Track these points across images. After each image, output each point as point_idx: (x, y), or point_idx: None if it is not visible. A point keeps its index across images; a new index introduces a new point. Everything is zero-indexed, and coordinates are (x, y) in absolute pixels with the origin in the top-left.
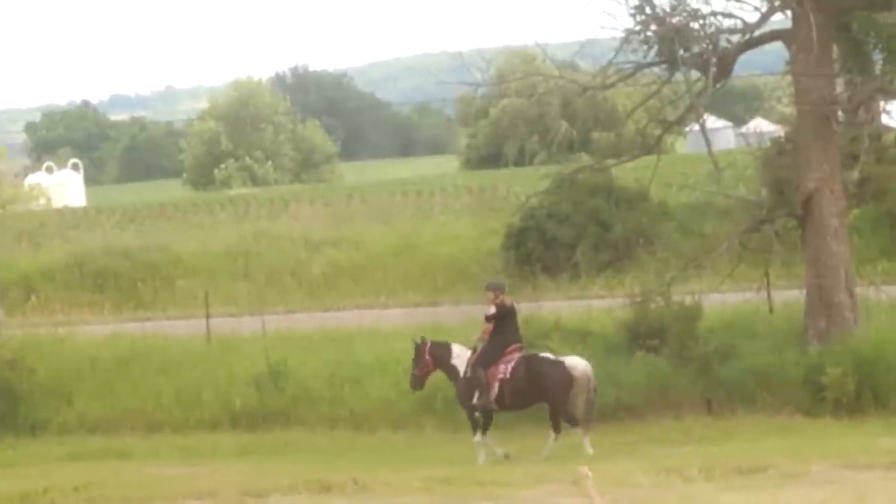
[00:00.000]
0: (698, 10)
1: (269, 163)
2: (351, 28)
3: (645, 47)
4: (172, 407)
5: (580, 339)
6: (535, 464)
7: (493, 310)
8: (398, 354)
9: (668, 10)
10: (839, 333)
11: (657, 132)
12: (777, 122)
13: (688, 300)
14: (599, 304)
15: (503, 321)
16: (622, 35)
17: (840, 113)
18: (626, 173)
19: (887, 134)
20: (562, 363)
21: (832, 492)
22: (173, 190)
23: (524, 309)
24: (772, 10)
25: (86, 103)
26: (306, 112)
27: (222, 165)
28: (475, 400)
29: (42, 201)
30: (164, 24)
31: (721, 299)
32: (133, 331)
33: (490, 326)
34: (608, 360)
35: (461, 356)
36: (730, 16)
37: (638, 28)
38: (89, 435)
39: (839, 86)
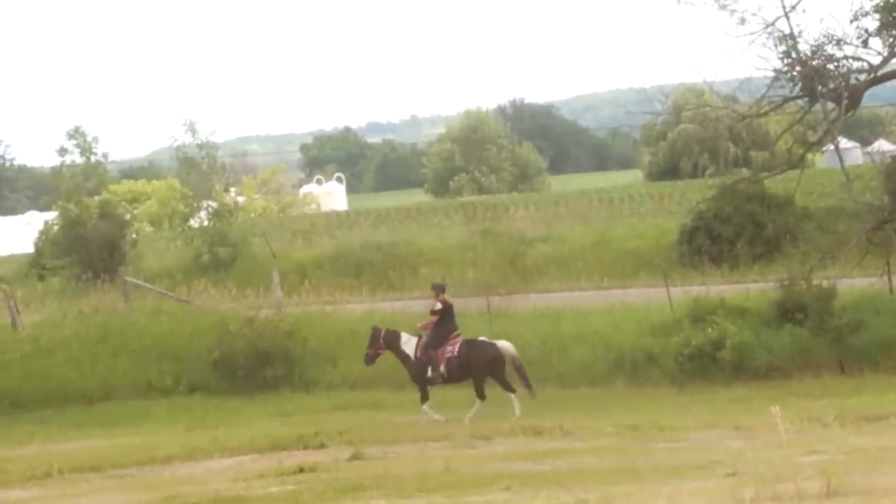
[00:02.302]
0: (833, 54)
1: (493, 176)
2: (557, 67)
3: (791, 84)
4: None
5: (739, 314)
6: (704, 413)
7: (438, 306)
8: (595, 327)
9: (809, 54)
10: None
11: (801, 151)
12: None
13: (825, 283)
14: (755, 286)
15: (445, 314)
16: (773, 74)
17: None
18: (777, 184)
19: None
20: (494, 344)
21: None
22: (417, 197)
23: (695, 293)
24: (891, 55)
25: (347, 129)
26: (522, 136)
27: (456, 178)
28: (429, 374)
29: (313, 206)
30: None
31: (851, 283)
32: (384, 308)
33: (434, 318)
34: (762, 331)
35: (409, 342)
36: (858, 59)
37: (785, 69)
38: (350, 390)
39: None
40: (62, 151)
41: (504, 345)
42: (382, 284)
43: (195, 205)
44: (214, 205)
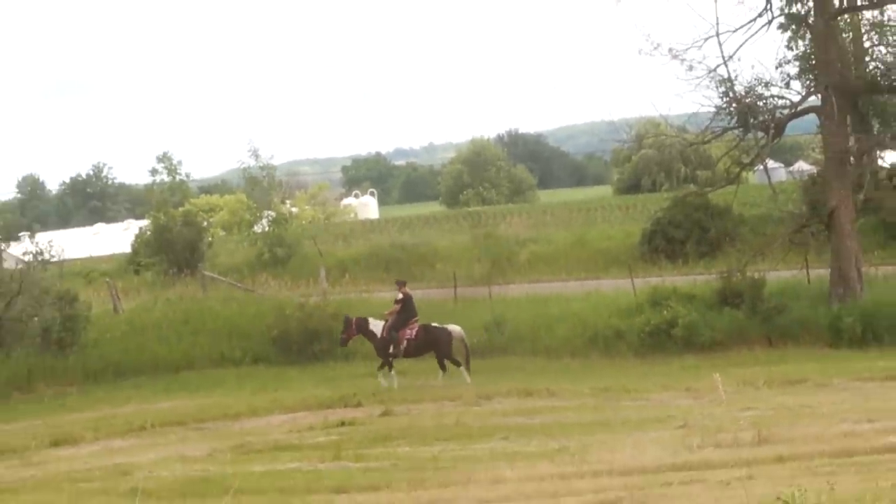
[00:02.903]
0: (762, 93)
1: (493, 190)
2: (544, 103)
3: (729, 117)
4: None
5: (689, 300)
6: (661, 378)
7: (400, 296)
8: (574, 310)
9: (743, 93)
10: (851, 296)
11: (737, 170)
12: (812, 163)
13: (756, 275)
14: (701, 278)
15: (406, 304)
16: (714, 109)
17: (851, 158)
18: (718, 196)
19: (881, 171)
20: (446, 328)
21: (847, 395)
22: (433, 208)
23: (654, 283)
24: (808, 94)
25: (378, 154)
26: (516, 158)
27: (464, 192)
28: (391, 351)
29: (351, 216)
30: (428, 101)
31: (777, 275)
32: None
33: (397, 307)
34: (706, 313)
35: (376, 325)
36: (782, 97)
37: (724, 105)
38: (378, 361)
39: (851, 141)
40: (153, 172)
41: (454, 328)
42: (406, 276)
43: (258, 214)
44: (273, 214)
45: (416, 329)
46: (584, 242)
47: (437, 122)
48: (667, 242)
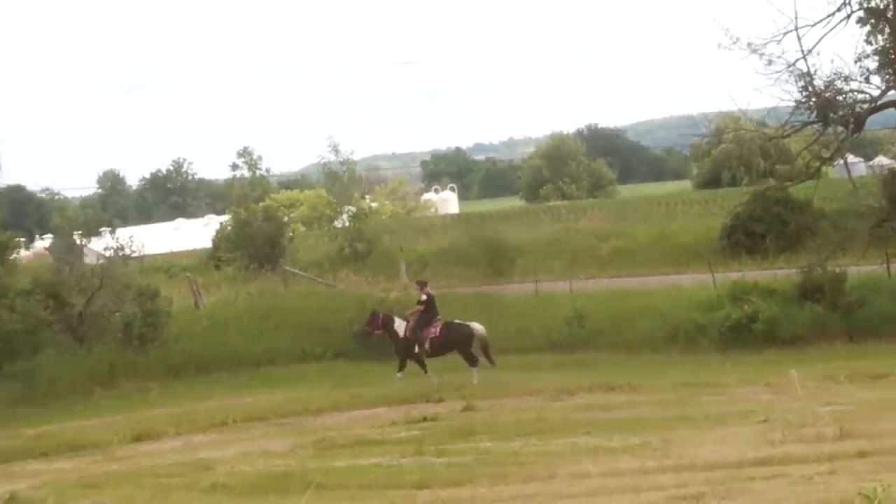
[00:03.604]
0: (842, 88)
1: (573, 185)
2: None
3: (808, 112)
4: (514, 337)
5: (769, 294)
6: (742, 373)
7: (424, 297)
8: (655, 304)
9: (822, 88)
10: None
11: (816, 165)
12: (892, 158)
13: (837, 269)
14: (781, 272)
15: (429, 304)
16: (794, 104)
17: None
18: (798, 191)
19: None
20: (468, 325)
21: None
22: (513, 203)
23: (734, 277)
24: (888, 88)
25: (458, 148)
26: (596, 153)
27: (544, 187)
28: (416, 350)
29: (432, 210)
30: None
31: (858, 269)
32: (489, 290)
33: (421, 308)
34: (787, 308)
35: (400, 325)
36: (862, 92)
37: (804, 100)
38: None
39: None
40: (234, 167)
41: (475, 326)
42: (486, 272)
43: (338, 209)
44: (353, 209)
45: (440, 326)
46: (664, 237)
47: (516, 116)
48: (747, 237)
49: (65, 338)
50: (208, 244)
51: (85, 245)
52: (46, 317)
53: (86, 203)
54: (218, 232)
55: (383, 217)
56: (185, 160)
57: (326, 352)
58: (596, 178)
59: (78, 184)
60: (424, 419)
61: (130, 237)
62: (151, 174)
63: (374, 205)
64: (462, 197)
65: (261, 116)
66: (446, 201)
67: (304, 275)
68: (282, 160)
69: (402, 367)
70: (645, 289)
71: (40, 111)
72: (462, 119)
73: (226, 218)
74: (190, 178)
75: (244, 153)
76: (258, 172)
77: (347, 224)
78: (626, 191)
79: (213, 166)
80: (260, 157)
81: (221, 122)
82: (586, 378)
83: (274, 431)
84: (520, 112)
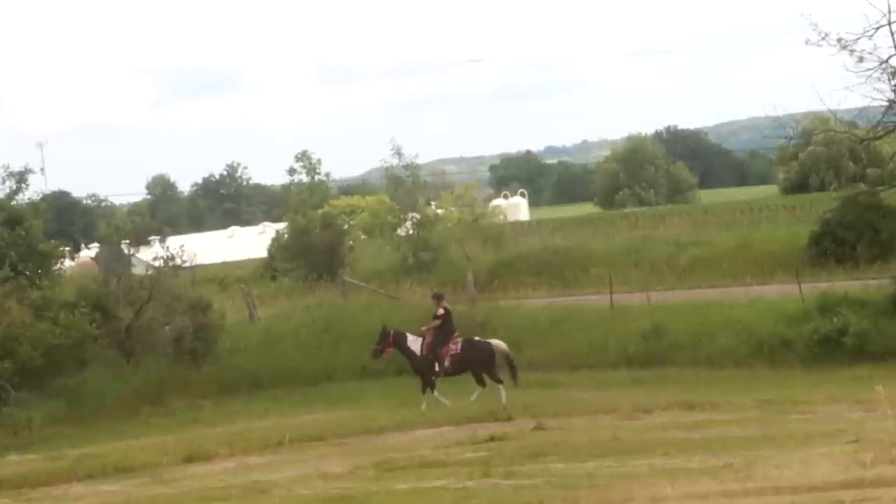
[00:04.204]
0: None
1: (651, 190)
2: (704, 99)
3: None
4: (588, 352)
5: (860, 306)
6: (830, 390)
7: (441, 311)
8: (738, 317)
9: None
10: None
11: None
12: None
13: None
14: (872, 283)
15: (446, 318)
16: (886, 103)
17: None
18: (890, 196)
19: None
20: (489, 343)
21: None
22: (587, 209)
23: (822, 288)
24: None
25: (529, 152)
26: (675, 156)
27: (620, 192)
28: (436, 369)
29: (501, 217)
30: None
31: None
32: (561, 302)
33: (438, 322)
34: (879, 320)
35: (414, 342)
36: None
37: None
38: (532, 372)
39: None
40: (291, 171)
41: (497, 343)
42: (559, 282)
43: (402, 216)
44: (418, 216)
45: (460, 343)
46: (747, 245)
47: (590, 118)
48: (836, 245)
49: (112, 353)
50: (263, 253)
51: (133, 255)
52: (92, 331)
53: (134, 210)
54: (274, 240)
55: (449, 224)
56: (239, 164)
57: (389, 368)
58: (675, 182)
59: (126, 190)
60: (492, 439)
61: (181, 246)
62: (204, 179)
63: (439, 211)
64: (533, 203)
65: (320, 118)
66: (516, 207)
67: (366, 286)
68: (342, 164)
69: (432, 388)
70: (727, 300)
71: (86, 112)
72: (533, 121)
73: (282, 226)
74: (245, 183)
75: (302, 157)
76: (317, 177)
77: (411, 232)
78: (708, 196)
79: (269, 171)
80: (319, 161)
81: (278, 124)
82: (664, 395)
83: (333, 452)
84: (594, 113)
